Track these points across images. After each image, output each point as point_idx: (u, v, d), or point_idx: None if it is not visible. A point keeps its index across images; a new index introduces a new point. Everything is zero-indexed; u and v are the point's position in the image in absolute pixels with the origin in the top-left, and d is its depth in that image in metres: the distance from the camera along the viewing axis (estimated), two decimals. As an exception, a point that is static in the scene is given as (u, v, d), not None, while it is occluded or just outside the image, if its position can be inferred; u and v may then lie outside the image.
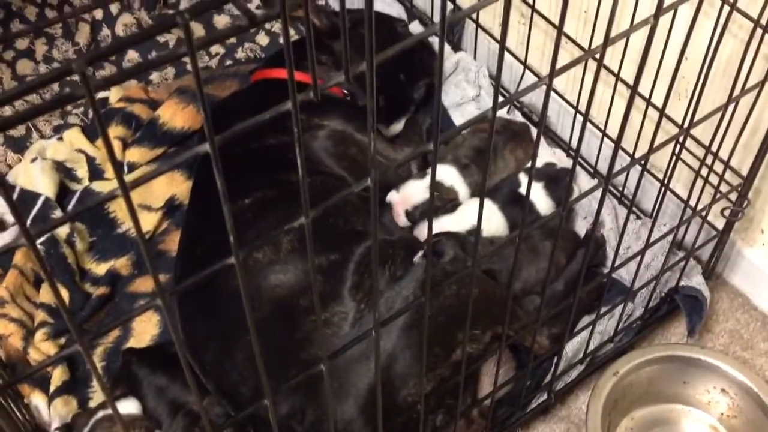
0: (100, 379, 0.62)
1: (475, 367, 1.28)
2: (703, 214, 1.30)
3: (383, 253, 1.36)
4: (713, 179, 1.32)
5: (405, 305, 1.25)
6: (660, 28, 0.81)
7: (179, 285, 1.39)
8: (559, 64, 0.75)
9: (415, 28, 1.86)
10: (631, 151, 1.45)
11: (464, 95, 1.75)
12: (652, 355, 1.32)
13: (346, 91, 1.61)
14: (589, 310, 1.43)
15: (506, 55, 1.70)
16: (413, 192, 1.50)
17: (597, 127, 1.54)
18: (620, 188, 1.58)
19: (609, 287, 1.45)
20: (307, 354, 1.22)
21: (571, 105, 1.56)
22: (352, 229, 1.37)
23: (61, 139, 1.60)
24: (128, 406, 1.30)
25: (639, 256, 1.26)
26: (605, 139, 1.53)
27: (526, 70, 1.65)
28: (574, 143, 1.66)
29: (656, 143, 1.03)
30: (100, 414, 1.28)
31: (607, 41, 0.77)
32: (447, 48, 1.78)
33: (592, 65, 1.46)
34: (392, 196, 1.53)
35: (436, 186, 1.53)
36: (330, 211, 1.37)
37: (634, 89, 0.86)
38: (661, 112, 1.04)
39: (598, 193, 1.54)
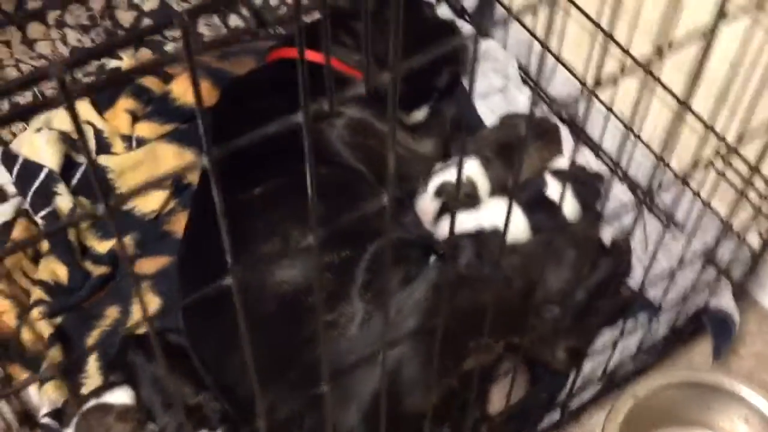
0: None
1: (486, 379, 1.21)
2: (741, 234, 1.23)
3: (397, 252, 1.29)
4: (753, 196, 1.24)
5: (416, 309, 1.19)
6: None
7: (181, 274, 1.34)
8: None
9: (444, 11, 1.78)
10: (667, 159, 1.37)
11: (490, 85, 1.67)
12: (674, 379, 1.25)
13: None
14: (610, 322, 1.35)
15: (536, 45, 1.61)
16: (425, 206, 1.43)
17: (632, 131, 1.46)
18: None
19: (633, 300, 1.38)
20: (311, 356, 1.16)
21: (615, 115, 1.48)
22: (366, 226, 1.30)
23: (68, 108, 1.53)
24: (121, 396, 1.24)
25: (669, 273, 1.19)
26: (638, 141, 1.45)
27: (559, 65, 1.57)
28: (605, 144, 1.58)
29: (697, 156, 0.96)
30: (92, 402, 1.23)
31: (660, 52, 0.69)
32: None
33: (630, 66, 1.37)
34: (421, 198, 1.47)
35: (448, 183, 1.45)
36: (343, 205, 1.31)
37: (683, 103, 0.78)
38: (712, 129, 0.96)
39: (626, 198, 1.47)
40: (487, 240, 1.39)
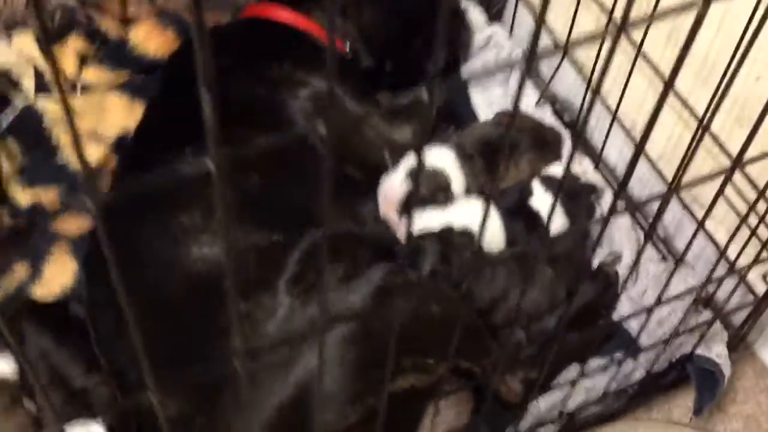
0: None
1: (417, 404, 1.03)
2: (742, 272, 1.03)
3: (341, 245, 1.11)
4: (762, 232, 1.04)
5: (349, 313, 1.02)
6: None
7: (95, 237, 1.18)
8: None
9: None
10: (669, 176, 1.18)
11: (491, 77, 1.49)
12: (641, 431, 1.06)
13: (348, 47, 1.36)
14: (582, 358, 1.17)
15: (544, 37, 1.43)
16: (392, 189, 1.25)
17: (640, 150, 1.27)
18: (650, 219, 1.31)
19: (611, 335, 1.19)
20: (219, 348, 0.98)
21: (624, 128, 1.29)
22: (308, 210, 1.12)
23: (10, 42, 1.37)
24: (1, 366, 1.08)
25: (651, 310, 1.00)
26: (641, 158, 1.26)
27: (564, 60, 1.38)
28: (607, 156, 1.39)
29: (699, 174, 0.77)
30: (-34, 371, 1.07)
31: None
32: (481, 19, 1.51)
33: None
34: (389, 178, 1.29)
35: (423, 171, 1.27)
36: (287, 181, 1.14)
37: (701, 125, 0.60)
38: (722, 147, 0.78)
39: (620, 220, 1.28)
40: (454, 241, 1.21)
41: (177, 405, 0.97)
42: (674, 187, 1.09)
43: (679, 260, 1.26)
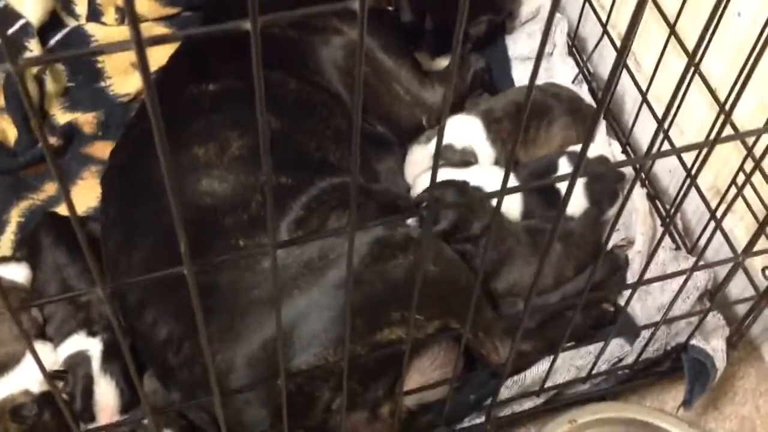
0: None
1: (397, 354, 1.05)
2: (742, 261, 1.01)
3: (350, 196, 1.13)
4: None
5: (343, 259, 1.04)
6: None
7: (115, 156, 1.22)
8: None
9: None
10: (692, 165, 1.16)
11: (534, 49, 1.47)
12: (622, 413, 1.06)
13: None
14: (580, 338, 1.16)
15: (588, 10, 1.41)
16: (419, 160, 1.26)
17: (662, 126, 1.25)
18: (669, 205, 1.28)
19: (613, 319, 1.19)
20: (208, 279, 1.01)
21: (648, 103, 1.27)
22: (323, 158, 1.14)
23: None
24: (15, 272, 1.13)
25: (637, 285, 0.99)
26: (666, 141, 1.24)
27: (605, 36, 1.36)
28: (640, 143, 1.38)
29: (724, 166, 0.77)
30: (-18, 271, 1.13)
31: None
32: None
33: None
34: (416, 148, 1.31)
35: (447, 147, 1.28)
36: (303, 126, 1.15)
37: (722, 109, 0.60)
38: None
39: (638, 204, 1.27)
40: (470, 194, 1.21)
41: (168, 328, 1.01)
42: (694, 175, 1.08)
43: (690, 250, 1.24)
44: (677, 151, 0.78)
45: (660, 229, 1.26)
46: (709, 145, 0.74)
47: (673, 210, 1.16)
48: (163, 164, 0.47)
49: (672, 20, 1.14)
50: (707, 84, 1.09)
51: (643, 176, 1.30)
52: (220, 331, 0.98)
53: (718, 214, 1.06)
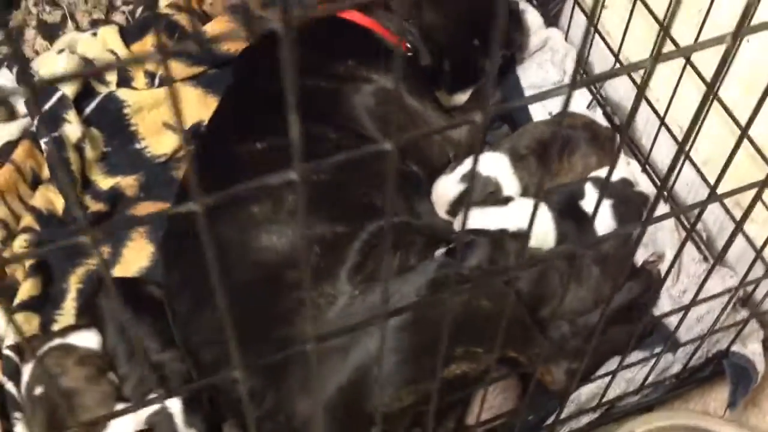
0: None
1: (466, 390, 1.11)
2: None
3: (400, 237, 1.20)
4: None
5: (405, 302, 1.10)
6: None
7: (172, 222, 1.27)
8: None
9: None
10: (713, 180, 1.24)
11: (545, 78, 1.55)
12: (676, 421, 1.13)
13: (408, 45, 1.42)
14: (622, 351, 1.23)
15: (598, 40, 1.48)
16: (445, 190, 1.32)
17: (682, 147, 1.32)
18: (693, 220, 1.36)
19: (651, 330, 1.26)
20: (280, 333, 1.07)
21: (666, 126, 1.35)
22: (370, 203, 1.20)
23: (95, 35, 1.46)
24: (87, 339, 1.18)
25: (688, 308, 1.06)
26: (687, 164, 1.32)
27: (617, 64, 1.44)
28: (657, 163, 1.45)
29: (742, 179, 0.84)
30: (56, 342, 1.17)
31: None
32: (538, 21, 1.57)
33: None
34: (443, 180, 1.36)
35: (475, 177, 1.34)
36: (348, 174, 1.21)
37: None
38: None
39: (665, 222, 1.34)
40: (507, 243, 1.27)
41: (248, 383, 1.06)
42: (714, 190, 1.15)
43: (716, 261, 1.31)
44: (720, 198, 0.84)
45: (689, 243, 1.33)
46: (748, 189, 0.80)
47: (694, 224, 1.23)
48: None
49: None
50: (725, 107, 1.16)
51: (666, 194, 1.38)
52: (301, 381, 1.03)
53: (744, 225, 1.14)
